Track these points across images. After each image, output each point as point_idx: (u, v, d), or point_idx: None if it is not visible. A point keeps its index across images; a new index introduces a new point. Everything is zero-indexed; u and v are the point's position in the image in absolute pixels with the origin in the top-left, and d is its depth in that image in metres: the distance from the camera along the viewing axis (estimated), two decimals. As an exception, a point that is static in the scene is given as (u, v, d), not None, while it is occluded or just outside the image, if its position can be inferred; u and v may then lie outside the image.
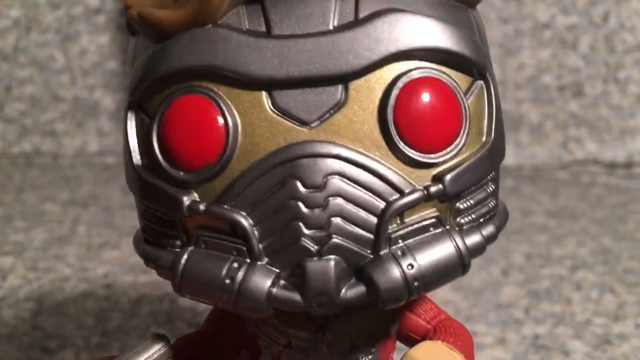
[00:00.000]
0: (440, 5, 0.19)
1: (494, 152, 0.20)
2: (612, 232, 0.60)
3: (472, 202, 0.20)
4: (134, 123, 0.20)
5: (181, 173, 0.19)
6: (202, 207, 0.19)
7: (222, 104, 0.19)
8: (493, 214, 0.21)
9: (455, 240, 0.19)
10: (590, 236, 0.60)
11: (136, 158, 0.20)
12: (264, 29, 0.19)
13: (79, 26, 0.81)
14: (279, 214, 0.19)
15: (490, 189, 0.20)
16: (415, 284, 0.19)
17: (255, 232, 0.19)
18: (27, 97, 0.83)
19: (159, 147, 0.19)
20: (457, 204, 0.20)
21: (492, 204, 0.21)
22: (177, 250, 0.20)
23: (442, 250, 0.19)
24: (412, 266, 0.19)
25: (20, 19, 0.80)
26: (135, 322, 0.44)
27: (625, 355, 0.41)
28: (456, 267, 0.19)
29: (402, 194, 0.19)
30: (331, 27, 0.19)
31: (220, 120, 0.19)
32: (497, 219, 0.21)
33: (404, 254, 0.19)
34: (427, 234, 0.19)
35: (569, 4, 0.77)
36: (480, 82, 0.20)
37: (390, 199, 0.19)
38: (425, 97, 0.19)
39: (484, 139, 0.20)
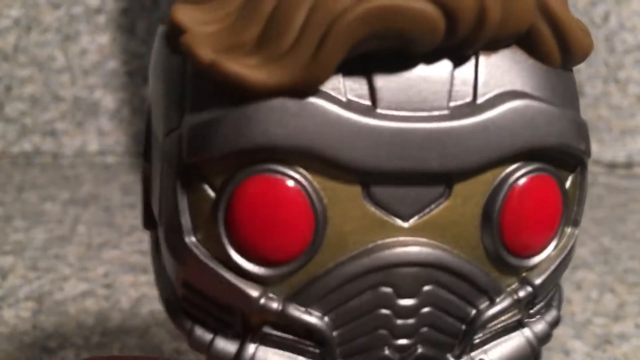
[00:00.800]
0: (554, 78, 0.17)
1: (576, 242, 0.18)
2: (612, 232, 0.60)
3: (543, 297, 0.19)
4: (187, 189, 0.16)
5: (255, 266, 0.16)
6: (276, 306, 0.16)
7: (310, 191, 0.15)
8: (554, 296, 0.19)
9: (527, 335, 0.18)
10: (590, 236, 0.60)
11: (187, 230, 0.16)
12: (368, 102, 0.15)
13: (79, 26, 0.81)
14: (365, 321, 0.16)
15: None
16: None
17: (335, 336, 0.16)
18: (27, 97, 0.83)
19: (227, 232, 0.16)
20: (536, 302, 0.18)
21: (555, 288, 0.19)
22: (235, 340, 0.17)
23: (518, 348, 0.18)
24: None
25: (20, 19, 0.80)
26: (135, 322, 0.44)
27: (625, 355, 0.41)
28: (529, 358, 0.18)
29: (492, 301, 0.17)
30: (446, 111, 0.15)
31: (309, 209, 0.15)
32: (556, 300, 0.19)
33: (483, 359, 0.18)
34: (505, 337, 0.18)
35: (569, 4, 0.77)
36: (578, 169, 0.18)
37: (481, 307, 0.17)
38: (536, 198, 0.17)
39: (569, 230, 0.18)
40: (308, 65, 0.14)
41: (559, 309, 0.19)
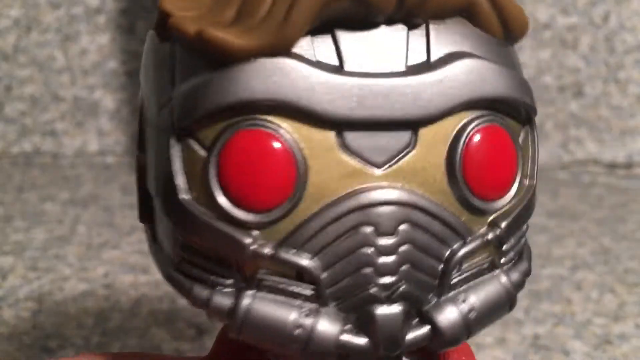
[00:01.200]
0: (496, 46, 0.19)
1: (535, 194, 0.20)
2: (612, 232, 0.60)
3: (513, 242, 0.20)
4: (180, 152, 0.18)
5: (244, 213, 0.18)
6: (267, 251, 0.18)
7: (291, 141, 0.17)
8: (524, 249, 0.21)
9: (503, 281, 0.20)
10: (590, 236, 0.60)
11: (182, 190, 0.18)
12: (336, 62, 0.18)
13: (79, 26, 0.81)
14: (350, 260, 0.18)
15: (525, 227, 0.21)
16: (474, 325, 0.19)
17: (324, 278, 0.18)
18: (27, 97, 0.83)
19: (219, 185, 0.18)
20: (504, 246, 0.20)
21: (523, 240, 0.21)
22: (231, 290, 0.18)
23: (495, 292, 0.19)
24: (472, 310, 0.19)
25: (20, 19, 0.80)
26: (135, 322, 0.44)
27: (625, 355, 0.42)
28: (505, 305, 0.20)
29: (464, 240, 0.19)
30: (404, 68, 0.18)
31: (291, 158, 0.17)
32: (526, 253, 0.21)
33: (464, 299, 0.19)
34: (481, 278, 0.20)
35: (569, 4, 0.77)
36: (527, 126, 0.20)
37: (454, 246, 0.19)
38: (492, 145, 0.19)
39: (527, 182, 0.20)
40: (279, 30, 0.17)
41: (529, 261, 0.21)
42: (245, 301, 0.18)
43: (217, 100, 0.17)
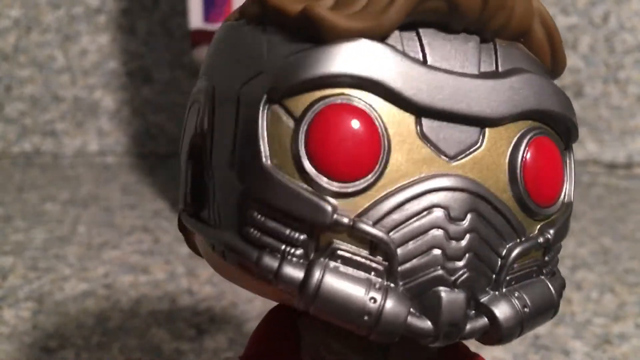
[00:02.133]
0: (546, 71, 0.22)
1: (572, 212, 0.22)
2: (612, 232, 0.60)
3: (553, 254, 0.21)
4: (265, 121, 0.19)
5: (328, 182, 0.18)
6: (347, 220, 0.18)
7: (378, 119, 0.19)
8: (557, 265, 0.22)
9: (550, 286, 0.21)
10: (590, 236, 0.60)
11: (265, 156, 0.19)
12: (420, 57, 0.19)
13: (79, 26, 0.81)
14: (421, 240, 0.19)
15: (561, 243, 0.22)
16: (526, 322, 0.20)
17: (398, 257, 0.18)
18: (27, 97, 0.83)
19: (306, 151, 0.18)
20: (547, 255, 0.21)
21: (558, 256, 0.22)
22: (302, 261, 0.19)
23: (543, 294, 0.20)
24: (526, 307, 0.20)
25: (20, 19, 0.80)
26: (135, 322, 0.44)
27: (625, 355, 0.42)
28: (551, 309, 0.21)
29: (520, 239, 0.20)
30: (477, 72, 0.20)
31: (378, 135, 0.18)
32: (558, 270, 0.22)
33: (518, 296, 0.20)
34: (530, 280, 0.20)
35: (569, 4, 0.77)
36: (570, 148, 0.22)
37: (510, 244, 0.20)
38: (547, 155, 0.20)
39: (566, 199, 0.21)
40: (380, 17, 0.18)
41: (559, 272, 0.22)
42: (318, 272, 0.18)
43: (314, 71, 0.18)
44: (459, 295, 0.19)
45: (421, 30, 0.19)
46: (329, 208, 0.18)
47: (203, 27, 0.54)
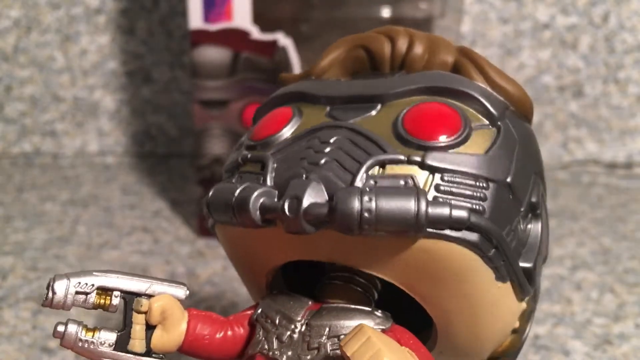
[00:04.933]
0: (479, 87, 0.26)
1: (492, 165, 0.24)
2: (612, 232, 0.60)
3: (454, 184, 0.23)
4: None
5: (252, 141, 0.27)
6: (247, 155, 0.27)
7: (297, 109, 0.27)
8: (476, 208, 0.23)
9: (418, 199, 0.22)
10: (590, 236, 0.60)
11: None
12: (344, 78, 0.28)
13: (79, 26, 0.81)
14: (295, 156, 0.25)
15: (481, 185, 0.24)
16: (366, 215, 0.22)
17: (274, 166, 0.25)
18: (27, 97, 0.83)
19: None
20: (439, 180, 0.23)
21: (478, 196, 0.23)
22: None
23: (402, 201, 0.22)
24: (370, 200, 0.22)
25: (20, 19, 0.80)
26: (135, 322, 0.44)
27: (625, 355, 0.42)
28: (409, 221, 0.22)
29: (385, 152, 0.24)
30: (387, 73, 0.28)
31: (291, 115, 0.27)
32: (478, 217, 0.23)
33: (369, 191, 0.22)
34: (397, 185, 0.23)
35: (569, 4, 0.77)
36: (493, 128, 0.25)
37: (377, 156, 0.24)
38: (432, 110, 0.25)
39: (482, 152, 0.24)
40: (315, 67, 0.29)
41: (470, 219, 0.23)
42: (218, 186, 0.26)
43: (277, 93, 0.29)
44: (307, 180, 0.23)
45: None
46: (244, 152, 0.27)
47: (203, 27, 0.54)
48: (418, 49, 0.27)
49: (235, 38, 0.54)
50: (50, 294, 0.25)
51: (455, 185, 0.23)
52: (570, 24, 0.78)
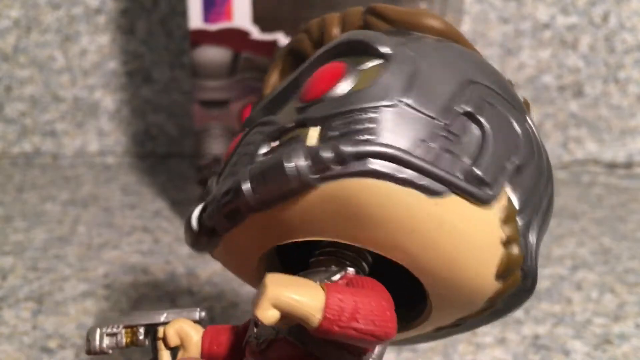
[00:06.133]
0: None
1: (380, 92, 0.24)
2: (612, 232, 0.60)
3: (343, 125, 0.23)
4: None
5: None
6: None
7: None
8: (366, 138, 0.23)
9: (292, 154, 0.23)
10: (590, 236, 0.60)
11: None
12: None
13: (79, 26, 0.81)
14: (228, 163, 0.27)
15: (369, 115, 0.23)
16: (251, 188, 0.24)
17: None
18: (27, 97, 0.82)
19: None
20: (326, 130, 0.24)
21: (368, 126, 0.23)
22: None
23: (272, 160, 0.23)
24: (252, 176, 0.24)
25: (20, 19, 0.80)
26: (135, 322, 0.44)
27: (625, 355, 0.41)
28: (290, 177, 0.23)
29: (278, 127, 0.25)
30: None
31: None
32: (369, 145, 0.23)
33: (253, 167, 0.24)
34: (280, 151, 0.24)
35: (569, 4, 0.77)
36: (382, 60, 0.25)
37: (268, 132, 0.26)
38: (318, 72, 0.26)
39: (368, 85, 0.24)
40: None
41: (350, 147, 0.23)
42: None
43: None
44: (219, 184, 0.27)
45: None
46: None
47: (203, 27, 0.54)
48: (331, 30, 0.28)
49: (235, 38, 0.54)
50: (89, 343, 0.28)
51: (343, 126, 0.23)
52: (570, 23, 0.78)
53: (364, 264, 0.26)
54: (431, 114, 0.23)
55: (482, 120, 0.24)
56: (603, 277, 0.51)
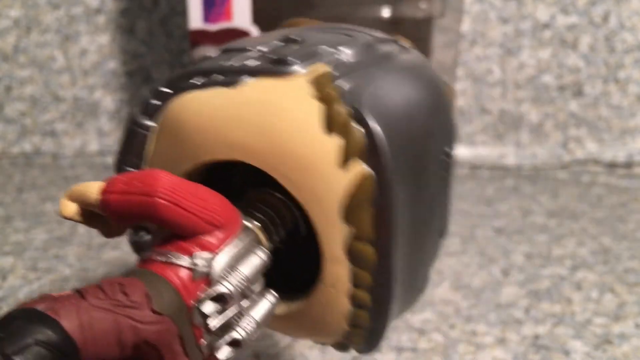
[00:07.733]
0: None
1: None
2: (612, 232, 0.60)
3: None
4: None
5: None
6: None
7: None
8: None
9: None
10: (590, 236, 0.60)
11: None
12: None
13: (79, 26, 0.81)
14: None
15: None
16: None
17: None
18: (27, 97, 0.82)
19: None
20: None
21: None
22: None
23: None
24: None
25: (20, 19, 0.80)
26: (135, 322, 0.44)
27: (626, 355, 0.41)
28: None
29: None
30: None
31: None
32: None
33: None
34: None
35: (569, 4, 0.77)
36: None
37: None
38: None
39: None
40: None
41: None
42: None
43: None
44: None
45: None
46: None
47: (203, 27, 0.54)
48: None
49: (235, 38, 0.54)
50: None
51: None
52: (571, 23, 0.78)
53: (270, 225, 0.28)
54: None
55: None
56: (603, 277, 0.51)
